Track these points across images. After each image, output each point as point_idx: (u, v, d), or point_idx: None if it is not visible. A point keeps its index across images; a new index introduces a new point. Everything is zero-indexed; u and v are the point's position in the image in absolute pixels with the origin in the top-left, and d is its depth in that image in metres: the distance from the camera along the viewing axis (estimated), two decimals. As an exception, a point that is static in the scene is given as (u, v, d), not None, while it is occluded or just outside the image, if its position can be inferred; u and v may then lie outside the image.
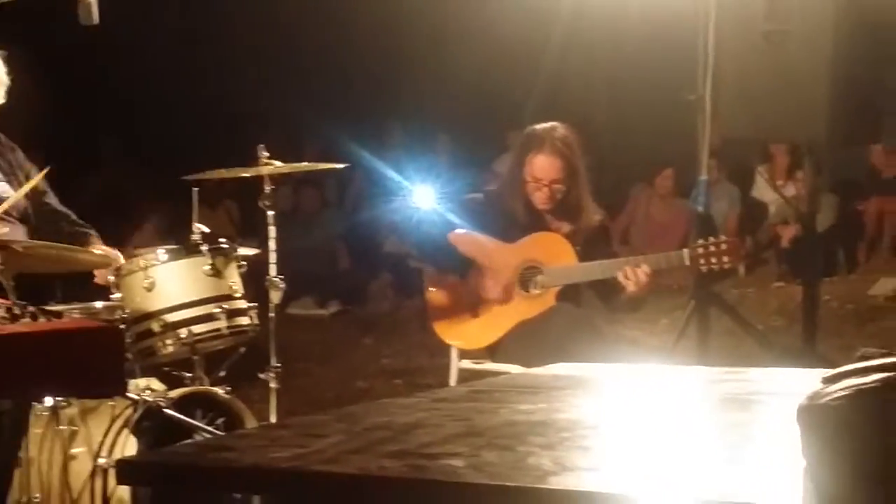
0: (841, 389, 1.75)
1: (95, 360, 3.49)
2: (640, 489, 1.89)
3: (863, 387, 1.74)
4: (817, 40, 8.89)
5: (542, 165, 5.95)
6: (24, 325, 3.58)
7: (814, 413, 1.75)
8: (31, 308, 3.80)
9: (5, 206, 4.93)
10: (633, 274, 5.72)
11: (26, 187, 5.05)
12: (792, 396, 2.34)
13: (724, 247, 5.83)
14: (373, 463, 1.98)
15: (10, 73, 5.28)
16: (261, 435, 2.25)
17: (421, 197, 6.95)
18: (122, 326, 4.82)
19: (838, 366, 1.86)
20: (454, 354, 6.24)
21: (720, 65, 6.73)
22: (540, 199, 5.98)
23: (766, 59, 7.03)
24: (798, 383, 2.58)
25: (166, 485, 3.24)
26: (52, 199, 5.46)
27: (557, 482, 1.88)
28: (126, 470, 2.70)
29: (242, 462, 2.07)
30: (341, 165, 6.19)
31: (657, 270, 5.84)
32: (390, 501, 1.95)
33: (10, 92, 5.28)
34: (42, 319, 3.66)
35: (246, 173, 5.66)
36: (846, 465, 1.73)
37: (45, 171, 4.98)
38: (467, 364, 6.18)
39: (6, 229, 4.85)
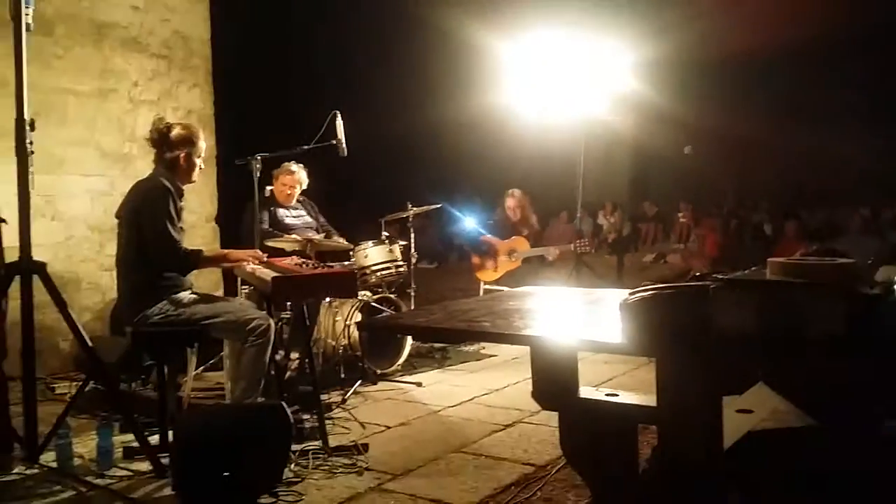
0: (635, 297, 1.73)
1: (345, 284, 3.49)
2: (557, 335, 1.88)
3: (645, 296, 1.73)
4: (625, 160, 8.82)
5: (509, 202, 6.09)
6: (318, 270, 3.58)
7: (626, 306, 1.74)
8: (321, 264, 3.80)
9: (319, 236, 4.84)
10: (554, 252, 5.87)
11: (318, 236, 5.07)
12: (615, 300, 2.32)
13: (586, 243, 6.02)
14: (454, 324, 1.97)
15: (308, 175, 5.21)
16: (412, 314, 2.24)
17: (468, 222, 6.95)
18: (355, 272, 4.83)
19: (630, 289, 1.84)
20: (482, 284, 6.25)
21: (586, 169, 6.63)
22: (512, 215, 6.13)
23: (604, 167, 7.03)
24: (616, 296, 2.54)
25: (376, 331, 3.23)
26: (322, 220, 5.42)
27: (526, 331, 1.87)
28: (361, 325, 2.71)
29: (405, 322, 2.07)
30: (438, 205, 6.18)
31: (561, 251, 6.02)
32: (461, 339, 1.95)
33: (311, 182, 5.25)
34: (325, 268, 3.66)
35: (403, 214, 5.62)
36: (634, 326, 1.72)
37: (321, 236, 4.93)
38: (486, 287, 6.19)
39: (312, 233, 4.86)
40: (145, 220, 3.38)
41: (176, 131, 3.53)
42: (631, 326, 1.71)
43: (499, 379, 4.86)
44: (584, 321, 2.14)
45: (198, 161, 3.61)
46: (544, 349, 1.98)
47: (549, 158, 11.98)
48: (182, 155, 3.53)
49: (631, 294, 1.74)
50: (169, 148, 3.52)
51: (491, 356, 5.67)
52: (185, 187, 3.60)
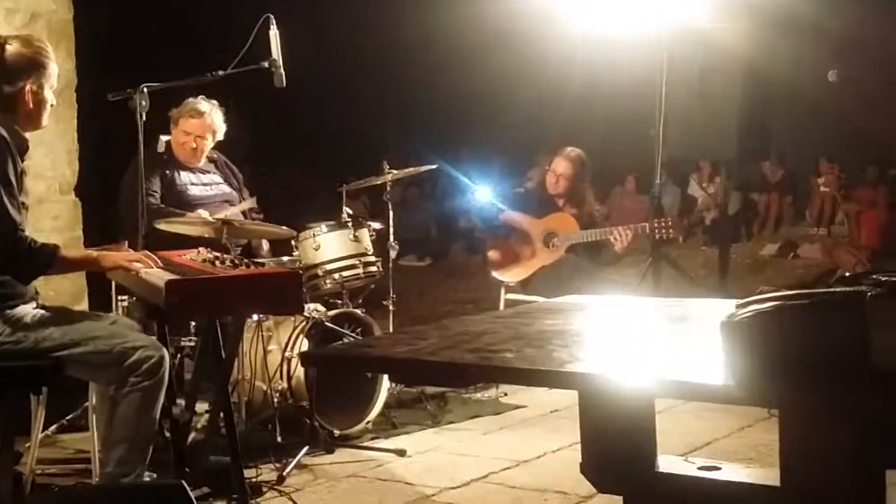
0: (748, 312, 1.73)
1: (284, 292, 3.49)
2: (622, 372, 1.89)
3: (761, 310, 1.72)
4: (731, 96, 8.79)
5: (559, 164, 6.16)
6: (241, 270, 3.59)
7: (732, 327, 1.74)
8: (245, 260, 3.81)
9: (232, 211, 4.97)
10: (621, 234, 5.98)
11: (242, 205, 5.09)
12: (713, 317, 2.32)
13: (669, 222, 6.11)
14: (457, 355, 1.98)
15: (226, 121, 5.25)
16: (388, 338, 2.25)
17: (481, 193, 6.98)
18: (300, 272, 4.84)
19: (739, 298, 1.84)
20: (502, 290, 6.31)
21: (668, 111, 6.67)
22: (551, 185, 6.21)
23: (698, 107, 7.00)
24: (717, 309, 2.55)
25: (331, 367, 3.27)
26: (247, 197, 5.45)
27: (571, 367, 1.88)
28: (309, 358, 2.73)
29: (378, 353, 2.08)
30: (433, 166, 6.18)
31: (632, 236, 6.06)
32: (469, 379, 1.97)
33: (227, 133, 5.28)
34: (252, 267, 3.67)
35: (376, 181, 5.67)
36: (751, 358, 1.71)
37: (251, 202, 4.98)
38: (510, 296, 6.26)
39: (229, 212, 4.87)
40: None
41: (13, 48, 3.53)
42: (741, 359, 1.71)
43: (528, 444, 4.86)
44: (666, 351, 2.13)
45: (49, 96, 3.60)
46: (602, 396, 1.98)
47: (611, 94, 12.00)
48: (27, 88, 3.53)
49: (741, 307, 1.74)
50: (4, 77, 3.52)
51: (516, 408, 5.68)
52: (29, 136, 3.60)
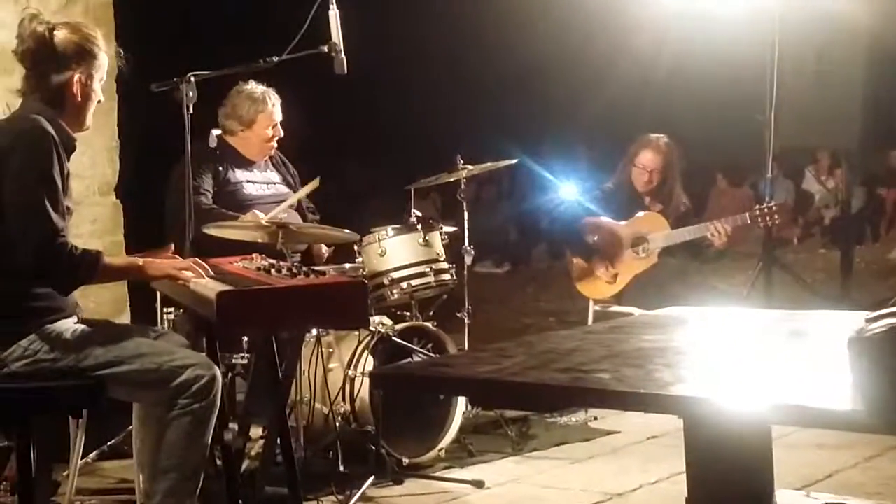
0: (881, 326, 1.71)
1: (347, 304, 3.50)
2: (734, 396, 1.87)
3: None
4: (853, 76, 8.67)
5: (647, 157, 6.11)
6: (300, 280, 3.62)
7: (861, 343, 1.72)
8: (304, 268, 3.84)
9: (289, 202, 5.03)
10: (719, 228, 5.89)
11: (304, 190, 5.14)
12: (837, 331, 2.30)
13: (774, 208, 5.99)
14: (546, 375, 1.98)
15: (283, 112, 5.33)
16: (467, 357, 2.26)
17: (566, 191, 6.95)
18: (365, 281, 4.87)
19: (867, 310, 1.82)
20: (591, 300, 6.30)
21: (781, 94, 6.60)
22: (640, 182, 6.14)
23: (814, 89, 6.91)
24: (841, 322, 2.52)
25: (404, 389, 3.28)
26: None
27: (675, 390, 1.87)
28: (378, 378, 2.75)
29: (457, 374, 2.08)
30: (513, 161, 6.17)
31: (733, 228, 5.98)
32: (559, 403, 1.97)
33: (284, 124, 5.35)
34: (312, 276, 3.69)
35: (449, 178, 5.69)
36: (884, 380, 1.69)
37: (314, 183, 5.02)
38: (600, 307, 6.24)
39: (286, 215, 4.92)
40: (8, 189, 3.46)
41: (62, 34, 3.60)
42: (871, 380, 1.69)
43: (623, 475, 4.85)
44: (781, 371, 2.10)
45: (97, 89, 3.66)
46: (711, 423, 1.96)
47: (708, 76, 11.89)
48: (76, 77, 3.59)
49: (871, 320, 1.73)
50: (53, 66, 3.59)
51: (608, 433, 5.67)
52: (77, 136, 3.66)
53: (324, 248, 5.35)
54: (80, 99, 3.61)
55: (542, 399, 2.06)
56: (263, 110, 5.21)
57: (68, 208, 3.55)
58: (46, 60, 3.56)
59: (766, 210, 5.95)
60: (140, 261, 3.73)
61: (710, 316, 2.89)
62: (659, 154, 6.17)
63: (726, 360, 2.25)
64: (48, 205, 3.40)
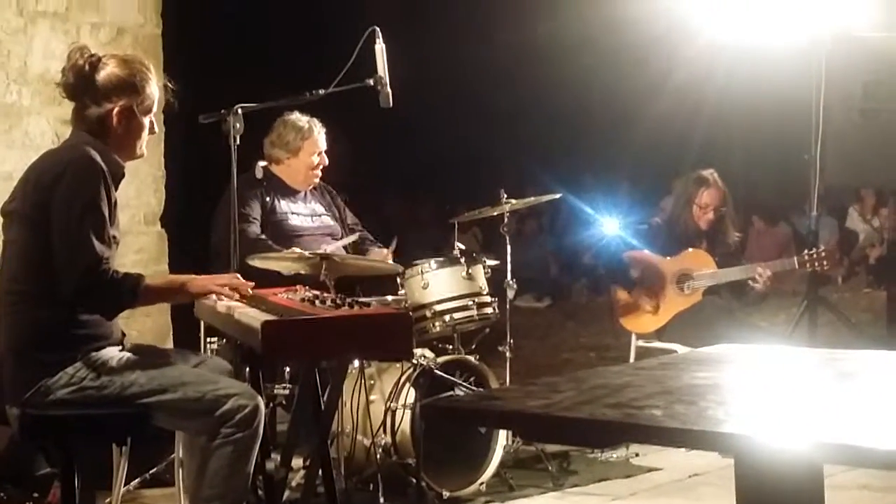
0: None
1: (392, 335, 3.51)
2: (786, 434, 1.85)
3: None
4: (899, 114, 8.59)
5: (708, 196, 6.08)
6: (344, 311, 3.62)
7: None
8: (348, 299, 3.84)
9: (342, 243, 5.13)
10: (762, 272, 5.90)
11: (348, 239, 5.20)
12: (884, 371, 2.27)
13: (822, 254, 5.96)
14: (597, 411, 1.96)
15: (330, 141, 5.40)
16: (518, 390, 2.25)
17: (608, 226, 6.93)
18: (409, 313, 4.87)
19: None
20: (633, 336, 6.25)
21: (826, 132, 6.55)
22: (705, 221, 6.12)
23: (859, 127, 6.82)
24: (887, 362, 2.48)
25: (455, 421, 3.28)
26: (349, 217, 5.58)
27: (728, 428, 1.85)
28: (429, 410, 2.75)
29: (508, 407, 2.07)
30: (556, 196, 6.17)
31: (776, 273, 5.98)
32: (611, 439, 1.96)
33: (328, 156, 5.40)
34: (356, 307, 3.69)
35: (492, 212, 5.70)
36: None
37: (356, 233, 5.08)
38: (642, 343, 6.20)
39: (332, 246, 4.93)
40: (57, 219, 3.48)
41: (108, 70, 3.63)
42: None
43: (666, 513, 4.81)
44: (830, 410, 2.09)
45: (145, 120, 3.69)
46: (762, 461, 1.94)
47: (756, 112, 11.85)
48: (116, 110, 3.62)
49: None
50: (91, 98, 3.62)
51: (649, 470, 5.61)
52: (127, 165, 3.69)
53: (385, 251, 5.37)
54: (123, 131, 3.62)
55: (593, 435, 2.04)
56: (309, 137, 5.27)
57: (115, 237, 3.57)
58: (85, 93, 3.60)
59: (814, 255, 5.93)
60: (181, 279, 3.75)
61: (758, 354, 2.86)
62: (718, 191, 6.17)
63: (777, 399, 2.23)
64: (92, 234, 3.43)
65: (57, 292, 3.45)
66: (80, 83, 3.60)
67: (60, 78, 3.64)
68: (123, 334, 3.75)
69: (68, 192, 3.46)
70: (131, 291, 3.51)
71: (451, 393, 4.84)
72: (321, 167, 5.34)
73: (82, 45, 3.70)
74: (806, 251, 6.04)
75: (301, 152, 5.28)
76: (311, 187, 5.39)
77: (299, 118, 5.28)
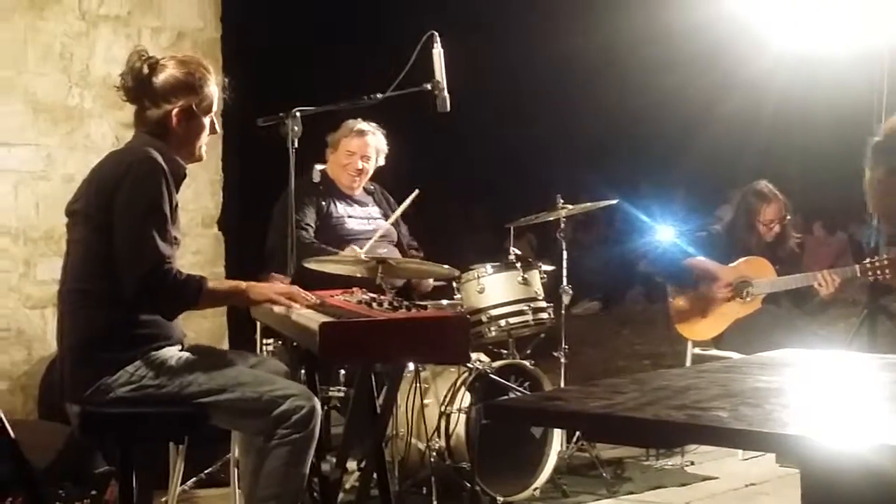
0: None
1: (449, 338, 3.49)
2: (855, 439, 1.82)
3: None
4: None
5: (771, 212, 6.02)
6: (402, 314, 3.61)
7: None
8: (405, 302, 3.84)
9: (393, 217, 5.28)
10: (827, 279, 5.81)
11: (405, 203, 5.23)
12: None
13: (885, 262, 5.83)
14: (661, 412, 1.94)
15: (387, 145, 5.44)
16: (580, 391, 2.23)
17: (663, 233, 6.89)
18: (467, 316, 4.86)
19: None
20: (689, 343, 6.20)
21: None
22: (770, 236, 6.09)
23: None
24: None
25: (517, 421, 3.25)
26: (405, 231, 5.59)
27: (794, 430, 1.83)
28: (491, 410, 2.74)
29: (571, 408, 2.06)
30: (613, 202, 6.15)
31: (838, 282, 5.89)
32: (675, 440, 1.94)
33: (387, 158, 5.44)
34: (413, 310, 3.69)
35: (548, 217, 5.69)
36: None
37: (414, 195, 5.08)
38: (698, 350, 6.16)
39: (385, 249, 4.94)
40: (119, 219, 3.51)
41: (167, 72, 3.65)
42: None
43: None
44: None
45: (205, 120, 3.72)
46: (834, 469, 1.90)
47: (815, 119, 11.72)
48: (176, 110, 3.65)
49: None
50: (149, 101, 3.65)
51: (706, 479, 5.57)
52: (189, 167, 3.72)
53: (429, 283, 5.38)
54: (183, 131, 3.65)
55: (657, 435, 2.02)
56: (348, 135, 5.36)
57: (176, 238, 3.59)
58: (145, 95, 3.63)
59: (876, 263, 5.84)
60: (243, 284, 3.76)
61: (821, 359, 2.83)
62: (778, 203, 6.14)
63: (843, 404, 2.19)
64: (156, 234, 3.45)
65: (119, 292, 3.48)
66: (140, 86, 3.63)
67: (120, 81, 3.67)
68: (184, 335, 3.78)
69: (131, 192, 3.48)
70: (194, 293, 3.53)
71: (506, 398, 4.83)
72: (355, 170, 5.36)
73: (141, 49, 3.73)
74: (868, 259, 5.96)
75: (339, 147, 5.39)
76: (354, 189, 5.42)
77: (356, 121, 5.35)
